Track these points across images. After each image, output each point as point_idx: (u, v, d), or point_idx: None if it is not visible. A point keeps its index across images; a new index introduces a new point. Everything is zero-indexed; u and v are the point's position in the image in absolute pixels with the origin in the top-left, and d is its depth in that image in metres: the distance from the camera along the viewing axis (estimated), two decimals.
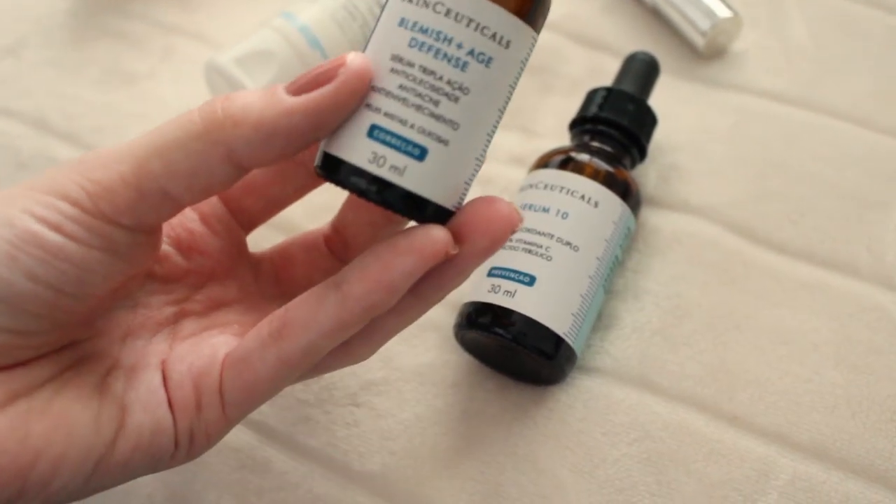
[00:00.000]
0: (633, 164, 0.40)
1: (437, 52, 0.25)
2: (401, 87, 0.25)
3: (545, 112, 0.46)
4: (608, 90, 0.40)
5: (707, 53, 0.47)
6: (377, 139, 0.25)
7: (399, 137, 0.25)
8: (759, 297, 0.38)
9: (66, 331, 0.26)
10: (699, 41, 0.46)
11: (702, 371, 0.36)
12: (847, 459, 0.34)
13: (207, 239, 0.31)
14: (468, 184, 0.26)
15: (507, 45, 0.25)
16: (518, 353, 0.35)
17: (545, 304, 0.34)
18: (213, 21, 0.51)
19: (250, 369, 0.26)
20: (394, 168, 0.25)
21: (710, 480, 0.34)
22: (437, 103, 0.25)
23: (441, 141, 0.25)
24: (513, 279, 0.35)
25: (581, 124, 0.40)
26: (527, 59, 0.27)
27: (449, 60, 0.25)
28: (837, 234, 0.40)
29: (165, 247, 0.30)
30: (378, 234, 0.32)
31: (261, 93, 0.25)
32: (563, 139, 0.43)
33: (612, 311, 0.38)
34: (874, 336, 0.37)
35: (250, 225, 0.33)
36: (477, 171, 0.27)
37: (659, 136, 0.43)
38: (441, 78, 0.25)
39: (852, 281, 0.39)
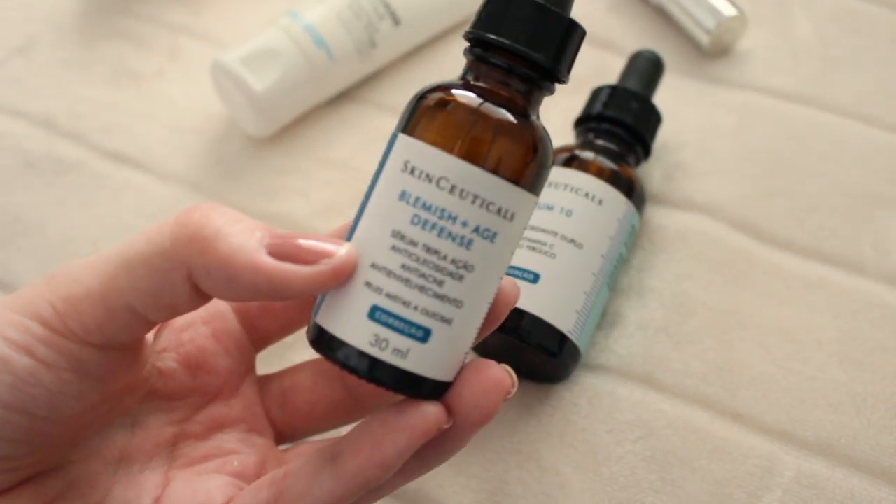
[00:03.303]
0: (638, 162, 0.40)
1: (442, 230, 0.23)
2: (403, 266, 0.23)
3: (550, 110, 0.45)
4: (613, 88, 0.40)
5: (712, 52, 0.47)
6: (379, 321, 0.23)
7: (402, 320, 0.23)
8: (764, 295, 0.38)
9: (47, 453, 0.25)
10: (704, 39, 0.46)
11: (706, 369, 0.37)
12: (851, 456, 0.34)
13: (217, 358, 0.30)
14: (468, 353, 0.25)
15: (512, 218, 0.24)
16: (522, 351, 0.35)
17: (549, 301, 0.34)
18: (220, 21, 0.51)
19: None
20: (396, 351, 0.23)
21: (714, 478, 0.34)
22: (441, 283, 0.24)
23: (445, 321, 0.24)
24: (517, 276, 0.35)
25: (586, 122, 0.40)
26: (528, 222, 0.25)
27: (454, 239, 0.24)
28: (843, 232, 0.40)
29: (172, 364, 0.29)
30: None
31: (243, 228, 0.23)
32: (568, 137, 0.43)
33: (617, 308, 0.38)
34: (878, 333, 0.37)
35: (262, 343, 0.31)
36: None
37: (664, 135, 0.44)
38: (445, 257, 0.24)
39: (857, 278, 0.39)
